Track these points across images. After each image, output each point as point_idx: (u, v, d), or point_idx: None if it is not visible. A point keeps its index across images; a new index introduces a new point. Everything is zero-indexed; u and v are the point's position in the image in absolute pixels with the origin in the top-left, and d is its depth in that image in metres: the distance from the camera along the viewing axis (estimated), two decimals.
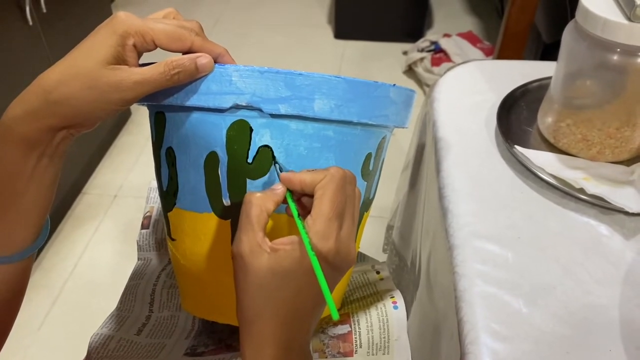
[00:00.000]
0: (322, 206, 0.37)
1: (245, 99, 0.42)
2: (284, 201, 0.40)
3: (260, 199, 0.38)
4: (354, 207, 0.40)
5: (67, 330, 1.30)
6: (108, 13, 1.67)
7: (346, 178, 0.39)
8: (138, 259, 0.66)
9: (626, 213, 0.60)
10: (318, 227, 0.37)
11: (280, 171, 0.42)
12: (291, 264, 0.37)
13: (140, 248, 0.66)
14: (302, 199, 0.41)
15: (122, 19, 0.39)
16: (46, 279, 1.41)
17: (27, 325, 1.30)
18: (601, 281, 0.55)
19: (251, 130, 0.43)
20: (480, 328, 0.51)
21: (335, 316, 0.35)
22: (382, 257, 0.65)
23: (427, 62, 2.06)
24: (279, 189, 0.40)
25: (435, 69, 2.01)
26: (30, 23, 1.27)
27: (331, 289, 0.39)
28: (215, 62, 0.42)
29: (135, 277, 0.63)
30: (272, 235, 0.39)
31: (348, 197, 0.39)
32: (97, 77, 0.38)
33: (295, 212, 0.39)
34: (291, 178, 0.40)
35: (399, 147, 1.42)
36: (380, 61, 2.26)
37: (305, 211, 0.41)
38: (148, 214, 0.67)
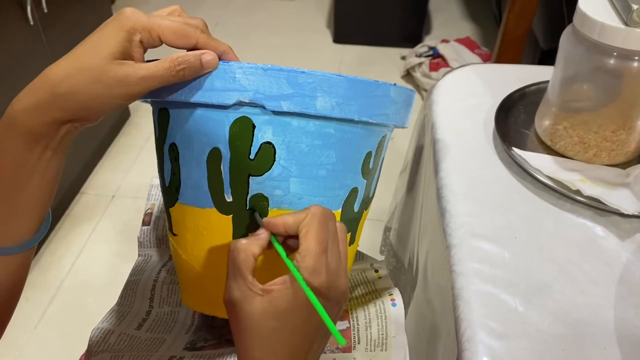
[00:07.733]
0: (308, 243, 0.38)
1: (248, 96, 0.43)
2: (269, 245, 0.41)
3: (246, 245, 0.39)
4: (339, 242, 0.41)
5: (63, 329, 1.30)
6: (108, 13, 1.67)
7: (327, 215, 0.40)
8: (139, 255, 0.66)
9: (621, 214, 0.60)
10: (307, 262, 0.37)
11: (261, 217, 0.43)
12: (285, 303, 0.38)
13: (141, 244, 0.66)
14: (288, 241, 0.42)
15: (129, 15, 0.39)
16: (43, 278, 1.41)
17: (23, 324, 1.30)
18: (596, 281, 0.55)
19: (254, 126, 0.44)
20: (477, 326, 0.51)
21: (342, 342, 0.35)
22: (379, 259, 0.66)
23: (425, 67, 2.08)
24: (263, 233, 0.41)
25: (433, 74, 2.02)
26: (32, 23, 1.27)
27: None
28: (219, 59, 0.42)
29: (136, 273, 0.64)
30: (261, 273, 0.39)
31: (331, 232, 0.40)
32: (103, 72, 0.38)
33: (283, 254, 0.39)
34: (274, 222, 0.40)
35: (397, 150, 1.42)
36: (379, 66, 2.27)
37: (291, 252, 0.41)
38: (149, 210, 0.67)
